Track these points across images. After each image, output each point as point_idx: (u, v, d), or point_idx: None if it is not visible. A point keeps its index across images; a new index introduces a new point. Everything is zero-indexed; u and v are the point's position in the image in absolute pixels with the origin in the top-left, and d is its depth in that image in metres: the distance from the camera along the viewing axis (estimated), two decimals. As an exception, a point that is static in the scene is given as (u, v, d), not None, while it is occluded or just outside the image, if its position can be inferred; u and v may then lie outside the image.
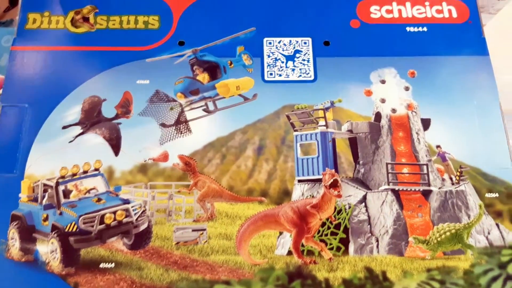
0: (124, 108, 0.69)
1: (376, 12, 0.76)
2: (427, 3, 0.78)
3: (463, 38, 0.76)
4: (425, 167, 0.66)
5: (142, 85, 0.70)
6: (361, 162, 0.67)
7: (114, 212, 0.63)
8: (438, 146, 0.68)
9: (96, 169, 0.66)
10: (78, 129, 0.68)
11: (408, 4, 0.77)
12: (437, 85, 0.71)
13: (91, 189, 0.65)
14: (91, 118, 0.68)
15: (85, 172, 0.66)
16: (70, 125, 0.68)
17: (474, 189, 0.65)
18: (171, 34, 0.74)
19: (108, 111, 0.69)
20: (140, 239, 0.62)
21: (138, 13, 0.75)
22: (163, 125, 0.68)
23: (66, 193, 0.65)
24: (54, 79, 0.71)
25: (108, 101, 0.70)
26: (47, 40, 0.74)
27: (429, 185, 0.65)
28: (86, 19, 0.74)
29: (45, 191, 0.65)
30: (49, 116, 0.68)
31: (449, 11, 0.77)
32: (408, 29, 0.75)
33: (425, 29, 0.75)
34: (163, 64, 0.72)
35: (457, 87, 0.71)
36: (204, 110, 0.70)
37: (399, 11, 0.76)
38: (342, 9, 0.76)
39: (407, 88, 0.71)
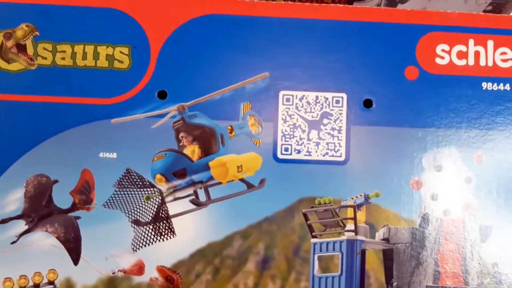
0: (83, 196, 0.60)
1: (444, 55, 0.63)
2: (517, 41, 0.64)
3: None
4: (474, 292, 0.61)
5: (107, 160, 0.60)
6: (395, 283, 0.61)
7: None
8: (495, 265, 0.61)
9: (50, 282, 0.62)
10: (22, 224, 0.59)
11: (490, 43, 0.62)
12: (508, 178, 0.62)
13: None
14: (39, 209, 0.60)
15: (36, 286, 0.61)
16: (11, 219, 0.61)
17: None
18: (147, 79, 0.61)
19: (61, 198, 0.60)
20: None
21: (98, 40, 0.60)
22: (136, 222, 0.61)
23: None
24: None
25: (60, 182, 0.60)
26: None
27: (476, 317, 0.61)
28: (21, 48, 0.59)
29: None
30: (-20, 205, 0.59)
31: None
32: (484, 85, 0.62)
33: (507, 87, 0.62)
34: (136, 127, 0.61)
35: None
36: (192, 201, 0.62)
37: (476, 54, 0.62)
38: (395, 48, 0.62)
39: (468, 180, 0.62)
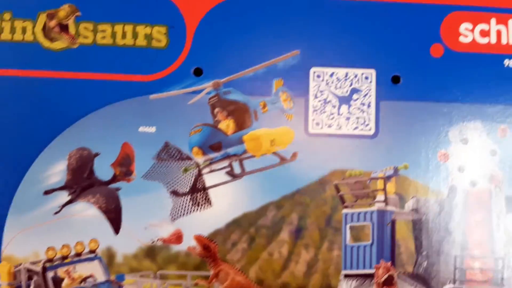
0: (124, 168, 0.63)
1: (468, 34, 0.66)
2: (537, 19, 0.67)
3: None
4: (500, 261, 0.63)
5: (147, 134, 0.63)
6: (424, 253, 0.64)
7: (117, 308, 0.61)
8: (521, 235, 0.64)
9: (92, 251, 0.65)
10: (65, 195, 0.62)
11: (511, 22, 0.65)
12: (533, 150, 0.66)
13: (88, 277, 0.65)
14: (81, 180, 0.63)
15: (78, 254, 0.64)
16: (54, 190, 0.64)
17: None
18: (184, 57, 0.64)
19: (103, 170, 0.64)
20: None
21: (137, 20, 0.64)
22: (174, 193, 0.64)
23: (57, 282, 0.65)
24: (26, 121, 0.65)
25: (101, 155, 0.64)
26: (9, 59, 0.66)
27: (502, 285, 0.63)
28: (64, 28, 0.63)
29: (30, 278, 0.64)
30: (25, 177, 0.62)
31: None
32: (506, 62, 0.66)
33: (530, 63, 0.66)
34: (174, 103, 0.65)
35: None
36: (228, 173, 0.64)
37: (498, 33, 0.65)
38: (421, 27, 0.65)
39: (493, 152, 0.65)
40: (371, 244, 0.68)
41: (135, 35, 0.68)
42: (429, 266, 0.68)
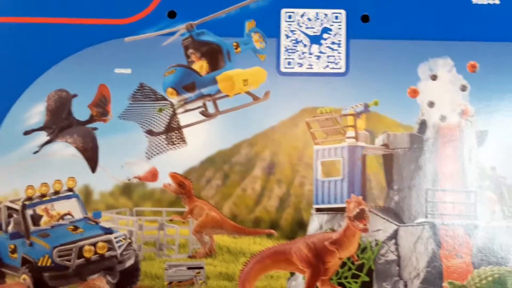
0: (100, 108, 0.66)
1: None
2: (506, -43, 0.69)
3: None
4: (473, 195, 0.64)
5: (122, 75, 0.66)
6: (395, 187, 0.66)
7: (94, 244, 0.66)
8: (493, 168, 0.65)
9: (69, 189, 0.68)
10: (44, 136, 0.64)
11: None
12: (502, 85, 0.66)
13: (65, 214, 0.67)
14: (59, 121, 0.66)
15: (56, 192, 0.66)
16: (33, 130, 0.66)
17: (530, 225, 0.65)
18: (158, 0, 0.66)
19: (80, 111, 0.66)
20: (126, 278, 0.65)
21: None
22: (150, 132, 0.66)
23: (36, 219, 0.66)
24: (5, 65, 0.69)
25: (79, 97, 0.66)
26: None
27: (475, 218, 0.64)
28: None
29: (9, 216, 0.66)
30: (5, 118, 0.64)
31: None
32: (474, 0, 0.67)
33: (496, 1, 0.67)
34: (148, 45, 0.67)
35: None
36: (201, 112, 0.66)
37: None
38: (390, -33, 0.68)
39: (463, 88, 0.67)
40: (342, 179, 0.69)
41: (110, -19, 0.71)
42: (400, 200, 0.70)
